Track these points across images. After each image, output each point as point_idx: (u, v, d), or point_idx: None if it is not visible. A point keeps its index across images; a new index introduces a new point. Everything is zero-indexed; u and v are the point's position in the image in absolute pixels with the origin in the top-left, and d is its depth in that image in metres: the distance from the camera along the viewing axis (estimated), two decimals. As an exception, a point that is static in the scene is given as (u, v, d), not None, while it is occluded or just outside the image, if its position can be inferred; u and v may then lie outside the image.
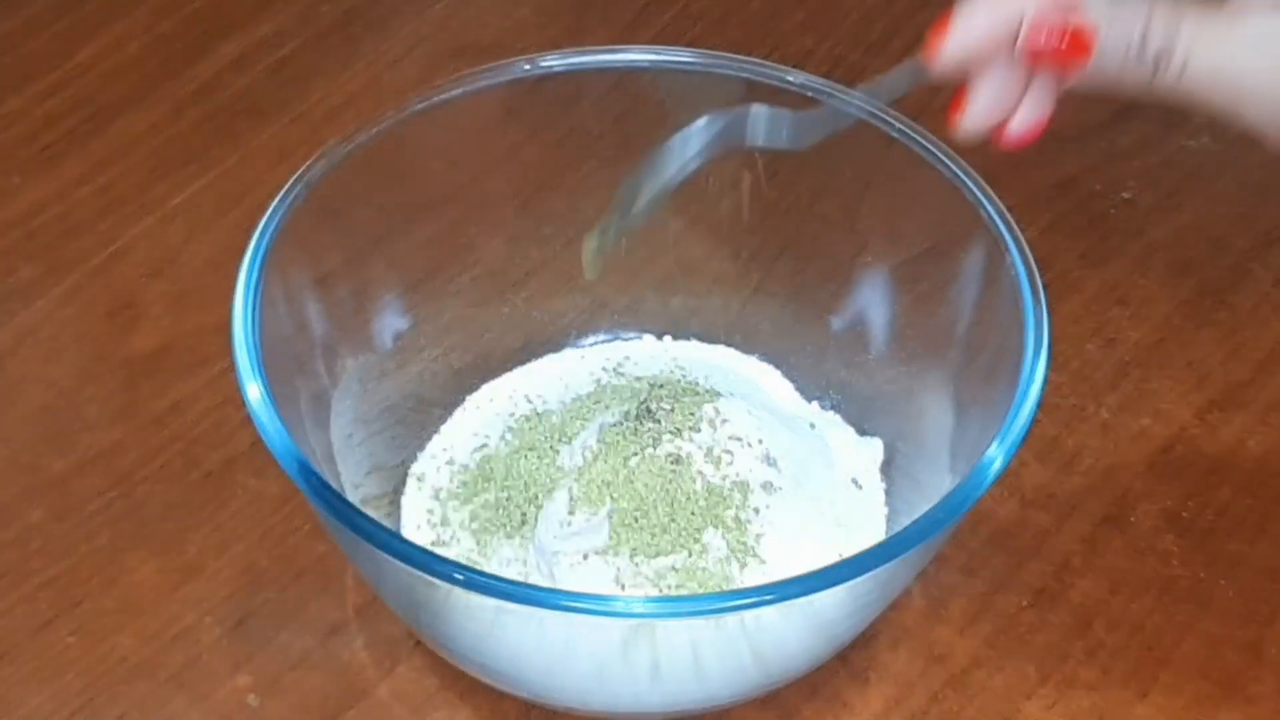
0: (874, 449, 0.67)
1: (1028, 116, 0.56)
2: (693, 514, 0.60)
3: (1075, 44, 0.54)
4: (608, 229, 0.61)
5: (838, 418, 0.68)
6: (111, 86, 0.82)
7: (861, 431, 0.68)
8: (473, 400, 0.69)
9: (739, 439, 0.62)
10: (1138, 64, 0.53)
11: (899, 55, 0.83)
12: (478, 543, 0.63)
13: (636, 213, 0.61)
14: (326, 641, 0.64)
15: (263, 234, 0.60)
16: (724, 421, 0.63)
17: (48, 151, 0.80)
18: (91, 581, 0.65)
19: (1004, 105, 0.56)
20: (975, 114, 0.56)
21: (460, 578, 0.52)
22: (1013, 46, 0.55)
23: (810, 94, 0.65)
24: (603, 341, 0.71)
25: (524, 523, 0.62)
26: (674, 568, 0.59)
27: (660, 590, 0.59)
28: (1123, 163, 0.78)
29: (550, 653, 0.56)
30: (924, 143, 0.63)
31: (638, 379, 0.68)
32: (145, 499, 0.68)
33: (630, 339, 0.71)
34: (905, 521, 0.55)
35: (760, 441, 0.63)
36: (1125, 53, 0.53)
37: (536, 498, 0.63)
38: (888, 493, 0.65)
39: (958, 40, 0.55)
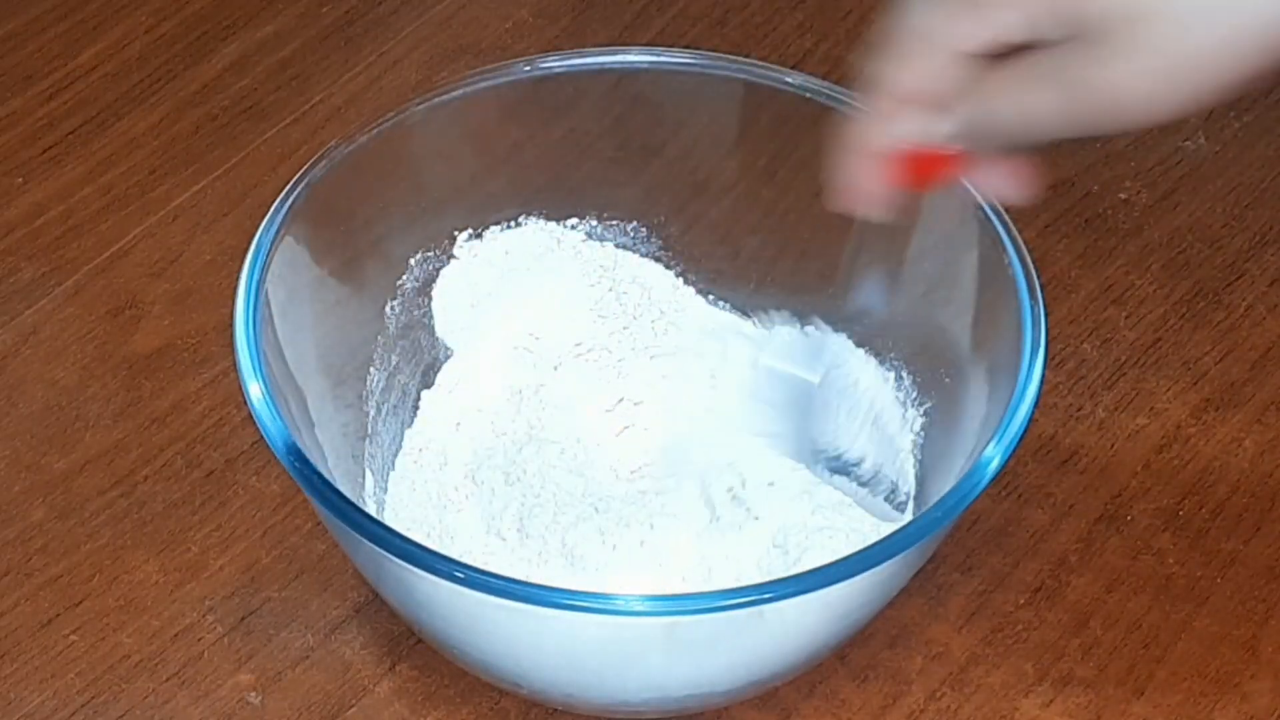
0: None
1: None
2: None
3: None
4: None
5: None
6: (113, 87, 0.82)
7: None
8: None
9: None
10: None
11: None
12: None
13: None
14: (328, 639, 0.64)
15: (264, 234, 0.60)
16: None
17: (50, 152, 0.80)
18: (93, 580, 0.66)
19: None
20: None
21: (461, 576, 0.52)
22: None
23: (808, 95, 0.65)
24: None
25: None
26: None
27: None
28: (1119, 164, 0.78)
29: (548, 650, 0.57)
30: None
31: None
32: (147, 498, 0.68)
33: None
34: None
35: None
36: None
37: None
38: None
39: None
